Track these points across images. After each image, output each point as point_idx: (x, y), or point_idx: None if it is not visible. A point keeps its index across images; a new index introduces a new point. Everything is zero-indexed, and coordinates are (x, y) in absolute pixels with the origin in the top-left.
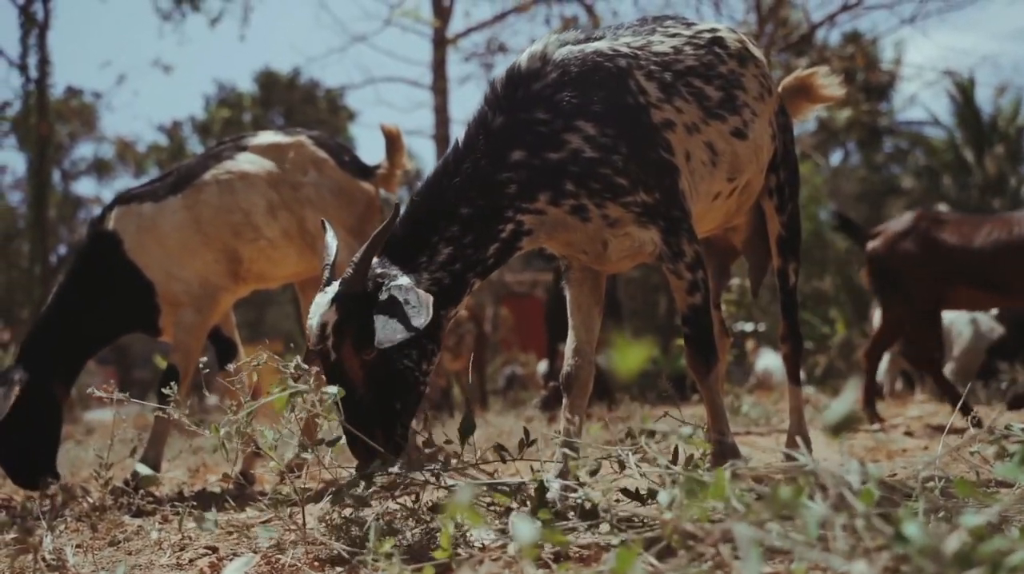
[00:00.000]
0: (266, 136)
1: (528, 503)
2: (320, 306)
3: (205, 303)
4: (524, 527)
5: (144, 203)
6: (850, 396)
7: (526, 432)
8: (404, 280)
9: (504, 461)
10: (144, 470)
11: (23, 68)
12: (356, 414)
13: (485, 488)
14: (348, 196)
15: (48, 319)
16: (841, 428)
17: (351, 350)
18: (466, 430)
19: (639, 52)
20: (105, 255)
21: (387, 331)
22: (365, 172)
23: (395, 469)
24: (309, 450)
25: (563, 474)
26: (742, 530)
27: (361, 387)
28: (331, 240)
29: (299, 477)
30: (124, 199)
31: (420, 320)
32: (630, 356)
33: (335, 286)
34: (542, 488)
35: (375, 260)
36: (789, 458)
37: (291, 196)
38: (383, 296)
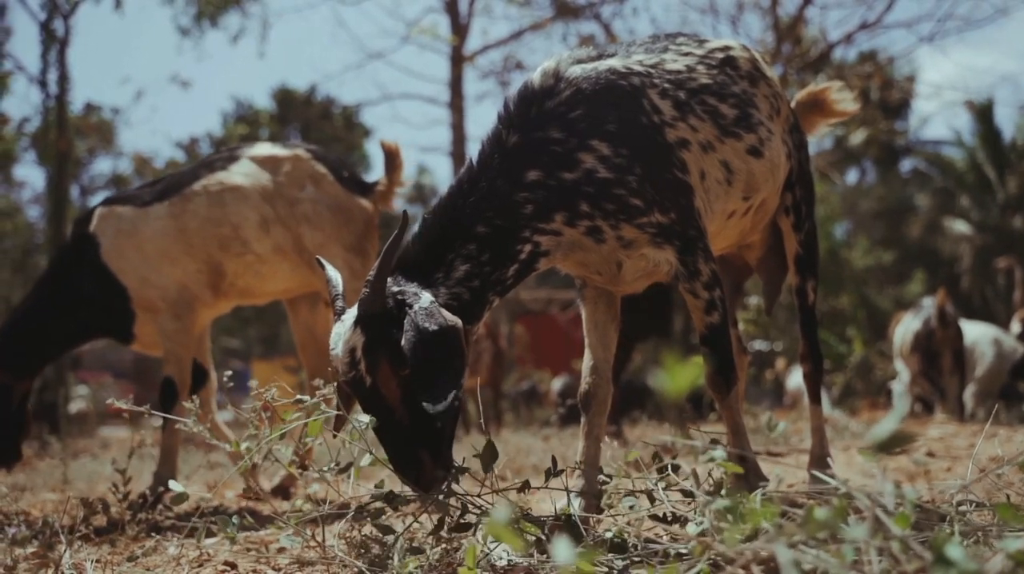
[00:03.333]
0: (262, 148)
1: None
2: (342, 334)
3: (183, 309)
4: (563, 549)
5: (126, 207)
6: (897, 415)
7: (554, 461)
8: (426, 298)
9: (522, 491)
10: (176, 487)
11: (43, 84)
12: (399, 436)
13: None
14: (347, 213)
15: (16, 313)
16: (887, 447)
17: (388, 370)
18: (488, 459)
19: (652, 70)
20: (82, 256)
21: (439, 390)
22: (364, 189)
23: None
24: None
25: (587, 504)
26: (783, 552)
27: (400, 407)
28: (332, 272)
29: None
30: (108, 202)
31: (462, 363)
32: (680, 376)
33: (353, 310)
34: (570, 521)
35: (388, 279)
36: (816, 479)
37: (287, 212)
38: (410, 322)
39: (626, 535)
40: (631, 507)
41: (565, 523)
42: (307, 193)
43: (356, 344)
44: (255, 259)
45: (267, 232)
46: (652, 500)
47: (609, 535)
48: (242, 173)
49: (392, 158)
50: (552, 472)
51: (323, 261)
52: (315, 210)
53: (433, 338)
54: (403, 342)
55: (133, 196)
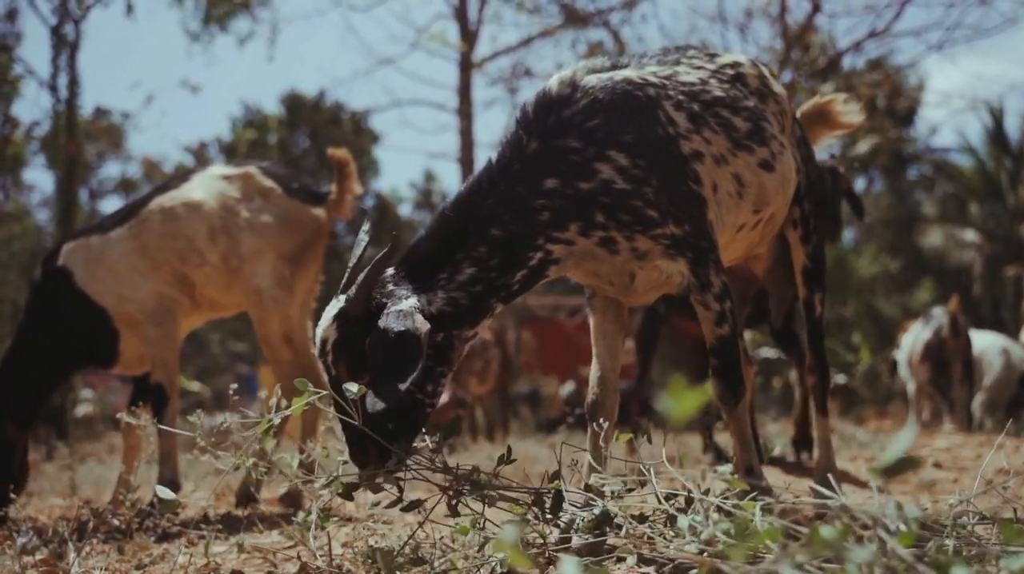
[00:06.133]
0: (215, 168)
1: (543, 513)
2: (326, 317)
3: (164, 316)
4: (570, 567)
5: (91, 236)
6: (906, 438)
7: (508, 450)
8: (407, 304)
9: (475, 473)
10: (167, 494)
11: (53, 88)
12: (352, 429)
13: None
14: (293, 222)
15: (6, 360)
16: (895, 471)
17: (346, 374)
18: (450, 431)
19: (667, 82)
20: (57, 290)
21: (382, 390)
22: (315, 198)
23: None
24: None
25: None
26: (789, 572)
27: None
28: (363, 236)
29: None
30: (72, 236)
31: (413, 367)
32: (685, 400)
33: (342, 300)
34: (559, 495)
35: (392, 272)
36: (818, 494)
37: (232, 222)
38: (380, 323)
39: (615, 514)
40: (616, 493)
41: (555, 497)
42: (254, 205)
43: (328, 337)
44: (212, 270)
45: (214, 242)
46: (642, 485)
47: (597, 512)
48: (193, 189)
49: (342, 167)
50: (505, 459)
51: (367, 220)
52: (259, 220)
53: (393, 339)
54: (367, 339)
55: (96, 227)
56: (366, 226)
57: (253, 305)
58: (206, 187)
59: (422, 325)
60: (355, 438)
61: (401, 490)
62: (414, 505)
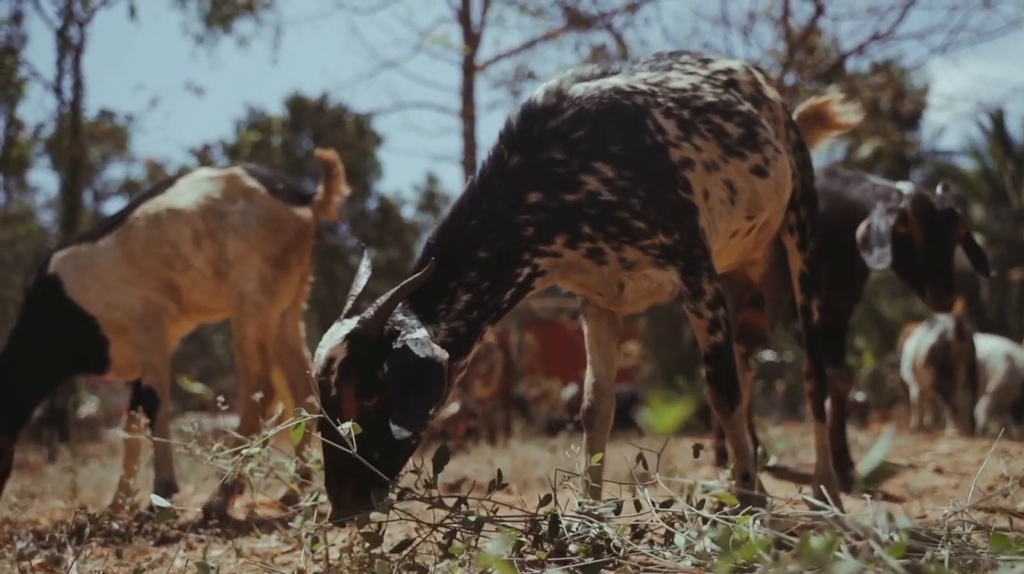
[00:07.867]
0: (200, 171)
1: (540, 536)
2: (333, 338)
3: (152, 321)
4: None
5: (81, 245)
6: (884, 446)
7: (499, 474)
8: (422, 333)
9: (459, 506)
10: (161, 502)
11: (58, 90)
12: (336, 459)
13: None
14: (277, 224)
15: (1, 368)
16: (875, 479)
17: (351, 394)
18: (439, 461)
19: (656, 88)
20: (48, 298)
21: (408, 418)
22: (301, 199)
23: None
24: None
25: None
26: None
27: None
28: (364, 270)
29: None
30: (64, 244)
31: (437, 394)
32: (667, 415)
33: (353, 321)
34: (555, 520)
35: (397, 306)
36: (813, 505)
37: (216, 225)
38: (397, 346)
39: (610, 538)
40: (617, 511)
41: (551, 523)
42: (238, 206)
43: (337, 355)
44: (198, 275)
45: (199, 247)
46: (638, 507)
47: (593, 534)
48: (177, 194)
49: (329, 168)
50: (496, 484)
51: (366, 252)
52: (243, 222)
53: (417, 364)
54: (386, 363)
55: (86, 235)
56: (367, 261)
57: (234, 308)
58: (190, 191)
59: (442, 353)
60: (338, 469)
61: (380, 526)
62: (402, 546)
